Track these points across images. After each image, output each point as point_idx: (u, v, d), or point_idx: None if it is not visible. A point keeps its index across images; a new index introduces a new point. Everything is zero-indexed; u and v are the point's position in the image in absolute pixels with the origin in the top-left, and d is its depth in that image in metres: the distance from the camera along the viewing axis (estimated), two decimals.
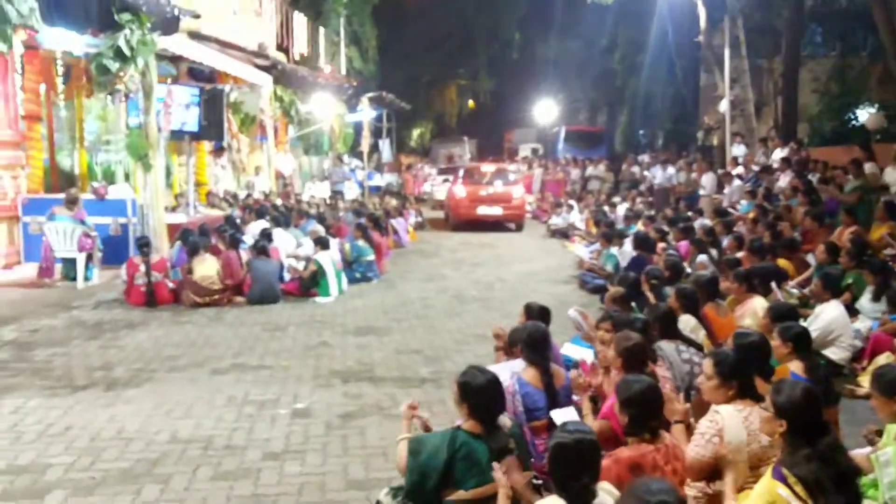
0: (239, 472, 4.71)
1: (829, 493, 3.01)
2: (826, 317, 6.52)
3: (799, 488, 3.03)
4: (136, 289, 9.72)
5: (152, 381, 6.56)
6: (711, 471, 3.78)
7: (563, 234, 16.82)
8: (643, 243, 9.67)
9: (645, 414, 3.49)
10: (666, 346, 5.02)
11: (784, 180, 13.74)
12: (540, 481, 3.99)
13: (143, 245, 9.85)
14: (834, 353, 6.47)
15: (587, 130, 35.78)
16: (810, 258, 8.94)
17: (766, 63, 21.92)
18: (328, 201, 18.25)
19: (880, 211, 9.53)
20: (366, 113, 22.36)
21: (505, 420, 3.80)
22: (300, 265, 10.95)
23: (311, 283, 10.45)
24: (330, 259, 10.67)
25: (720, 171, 16.40)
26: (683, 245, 10.19)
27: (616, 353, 4.37)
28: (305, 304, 10.09)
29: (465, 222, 18.85)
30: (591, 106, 41.55)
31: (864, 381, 6.06)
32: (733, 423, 3.78)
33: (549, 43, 37.38)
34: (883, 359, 6.11)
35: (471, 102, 43.49)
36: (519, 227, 19.27)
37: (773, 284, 7.10)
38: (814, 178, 13.00)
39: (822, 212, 10.83)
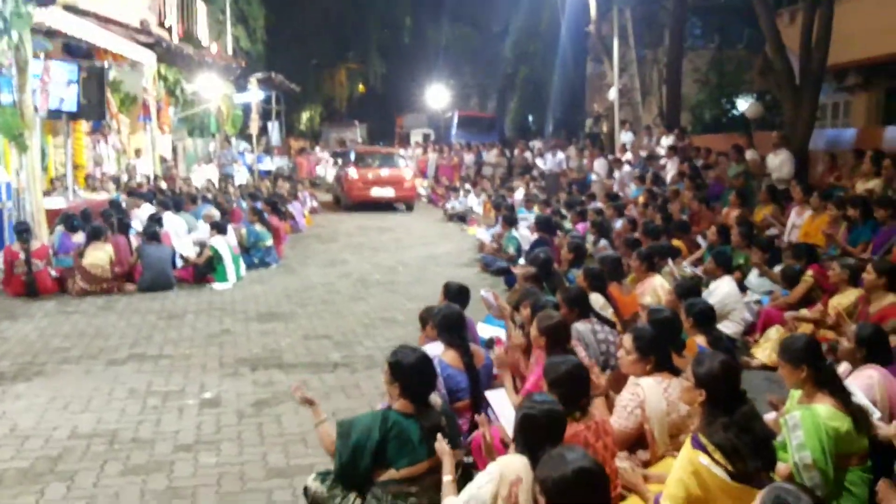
0: (150, 465, 4.49)
1: (747, 458, 3.16)
2: (720, 293, 6.86)
3: (718, 455, 3.16)
4: (15, 278, 9.06)
5: (43, 375, 6.14)
6: (635, 441, 3.92)
7: (461, 218, 16.97)
8: (545, 226, 9.88)
9: (574, 393, 3.56)
10: (581, 327, 5.14)
11: (671, 166, 14.37)
12: (470, 459, 4.03)
13: (23, 231, 9.19)
14: (727, 328, 6.82)
15: (480, 116, 36.17)
16: (700, 239, 9.39)
17: (651, 53, 22.83)
18: (218, 185, 17.62)
19: (763, 194, 10.13)
20: (254, 94, 21.67)
21: (436, 399, 3.80)
22: (193, 251, 10.52)
23: (206, 270, 10.07)
24: (226, 244, 10.31)
25: (610, 158, 16.96)
26: (581, 227, 10.49)
27: (539, 332, 4.44)
28: (202, 290, 9.72)
29: (358, 204, 19.36)
30: (482, 92, 42.03)
31: (758, 353, 6.46)
32: (653, 394, 3.93)
33: (441, 28, 37.47)
34: (773, 332, 6.52)
35: (361, 86, 42.99)
36: (409, 208, 19.86)
37: (670, 261, 7.43)
38: (698, 163, 13.68)
39: (707, 195, 11.41)
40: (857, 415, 3.76)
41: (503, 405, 4.12)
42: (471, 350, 4.63)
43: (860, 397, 3.90)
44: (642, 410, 3.90)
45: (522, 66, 30.76)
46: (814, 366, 3.83)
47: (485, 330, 6.22)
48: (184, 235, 11.08)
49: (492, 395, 4.19)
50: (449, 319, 4.65)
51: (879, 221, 7.47)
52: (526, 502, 2.88)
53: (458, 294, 5.44)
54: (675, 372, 4.11)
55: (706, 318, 5.00)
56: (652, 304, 6.87)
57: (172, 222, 11.11)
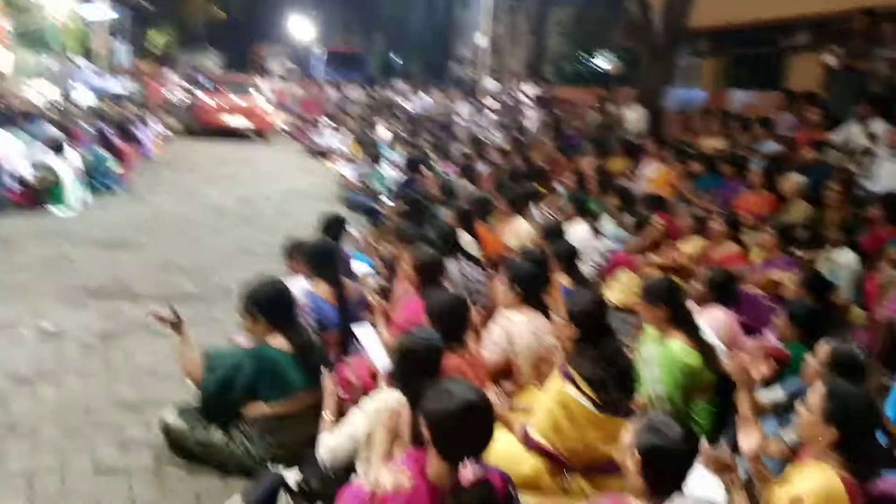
0: None
1: (612, 390, 3.30)
2: (575, 237, 7.10)
3: (585, 387, 3.28)
4: None
5: None
6: (503, 373, 3.99)
7: (323, 154, 16.54)
8: (414, 166, 9.79)
9: (455, 326, 3.57)
10: (450, 266, 5.15)
11: (533, 115, 14.66)
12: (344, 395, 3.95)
13: None
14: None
15: (349, 53, 35.15)
16: (558, 186, 9.66)
17: (519, 4, 23.00)
18: (60, 105, 16.13)
19: (618, 146, 10.54)
20: (101, 10, 19.90)
21: (312, 334, 3.68)
22: (30, 173, 9.59)
23: (45, 193, 9.23)
24: (68, 167, 9.48)
25: (474, 102, 17.06)
26: (448, 169, 10.49)
27: (413, 267, 4.39)
28: (39, 215, 8.91)
29: (209, 131, 18.68)
30: (346, 27, 40.85)
31: (608, 295, 6.75)
32: (522, 328, 4.02)
33: None
34: (623, 275, 6.84)
35: (219, 11, 40.53)
36: (264, 139, 19.34)
37: (533, 205, 7.60)
38: (559, 114, 14.05)
39: (566, 145, 11.76)
40: (707, 352, 4.02)
41: (371, 339, 4.05)
42: (343, 284, 4.52)
43: (710, 335, 4.16)
44: (511, 343, 3.97)
45: (390, 4, 30.09)
46: (671, 305, 4.04)
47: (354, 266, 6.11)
48: (18, 155, 10.06)
49: (359, 330, 4.11)
50: (321, 252, 4.51)
51: (725, 176, 7.97)
52: (404, 436, 2.86)
53: (332, 226, 5.28)
54: (543, 308, 4.21)
55: (571, 258, 5.15)
56: (515, 245, 7.05)
57: (6, 141, 10.05)
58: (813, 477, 2.58)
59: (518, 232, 7.12)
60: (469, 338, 4.03)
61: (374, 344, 3.94)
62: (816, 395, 2.69)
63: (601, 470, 3.31)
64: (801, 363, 3.84)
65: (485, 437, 2.44)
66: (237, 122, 18.82)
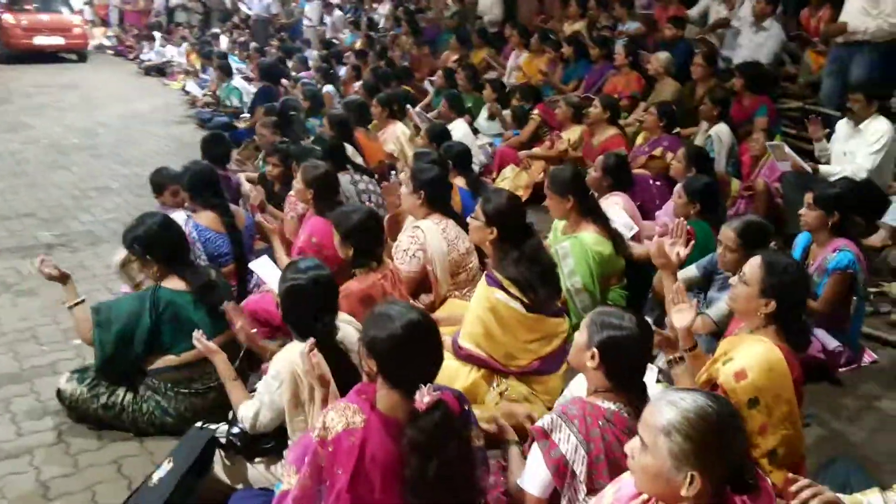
0: None
1: (539, 288, 3.24)
2: (456, 134, 6.94)
3: (513, 289, 3.20)
4: None
5: None
6: (420, 285, 3.85)
7: (160, 70, 15.23)
8: (269, 75, 9.14)
9: (370, 243, 3.35)
10: (341, 178, 4.86)
11: (383, 10, 14.05)
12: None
13: None
14: None
15: None
16: (427, 84, 9.39)
17: None
18: None
19: (476, 37, 10.29)
20: None
21: (209, 269, 3.35)
22: None
23: None
24: None
25: (321, 1, 16.11)
26: (306, 75, 9.92)
27: (305, 183, 4.09)
28: None
29: (19, 54, 16.75)
30: None
31: None
32: (433, 235, 3.86)
33: None
34: (509, 171, 6.78)
35: None
36: (82, 58, 17.75)
37: (409, 107, 7.33)
38: (411, 7, 13.52)
39: (424, 40, 11.38)
40: (616, 238, 4.05)
41: (271, 270, 3.74)
42: (231, 209, 4.16)
43: (617, 223, 4.19)
44: (424, 252, 3.82)
45: None
46: (579, 195, 4.00)
47: None
48: None
49: (257, 265, 3.77)
50: (201, 178, 4.10)
51: (592, 60, 7.98)
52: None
53: (212, 146, 4.81)
54: (451, 213, 4.07)
55: (465, 159, 4.99)
56: (395, 151, 6.81)
57: None
58: (754, 350, 2.63)
59: (396, 137, 6.87)
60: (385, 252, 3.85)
61: (271, 272, 3.65)
62: (753, 268, 2.72)
63: (536, 371, 3.29)
64: (707, 240, 3.97)
65: (436, 358, 2.29)
66: (49, 40, 17.02)
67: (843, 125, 5.39)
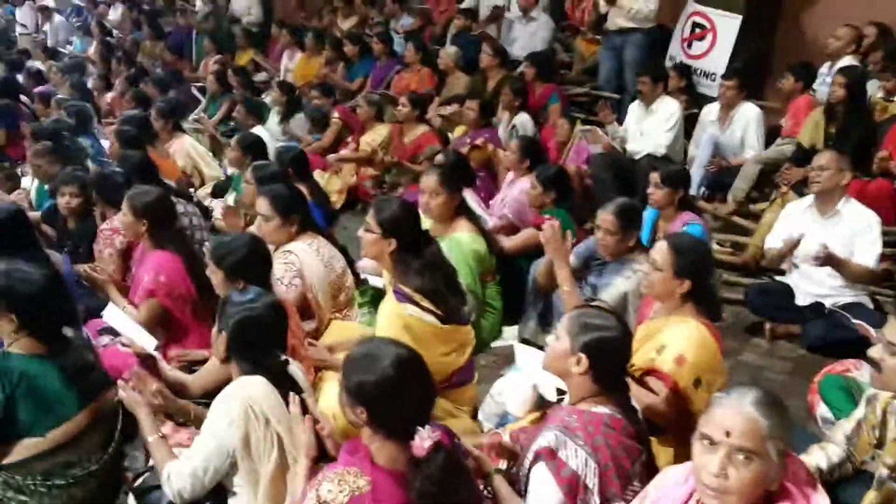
0: None
1: (447, 296, 3.09)
2: None
3: (425, 302, 3.02)
4: None
5: None
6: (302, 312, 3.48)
7: None
8: (4, 91, 7.77)
9: (262, 274, 2.97)
10: None
11: (116, 13, 12.73)
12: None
13: None
14: None
15: None
16: (195, 92, 8.69)
17: None
18: None
19: (241, 39, 9.72)
20: None
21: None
22: None
23: None
24: None
25: (34, 5, 14.14)
26: (43, 89, 8.61)
27: (135, 214, 3.49)
28: None
29: None
30: None
31: None
32: (309, 258, 3.53)
33: None
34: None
35: None
36: None
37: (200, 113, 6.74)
38: (145, 7, 12.40)
39: (175, 43, 10.54)
40: (487, 235, 4.00)
41: (120, 319, 3.17)
42: (48, 257, 3.45)
43: (485, 219, 4.15)
44: (302, 279, 3.46)
45: None
46: (453, 193, 3.87)
47: None
48: None
49: (109, 316, 3.17)
50: (9, 223, 3.35)
51: (375, 57, 7.86)
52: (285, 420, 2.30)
53: None
54: (316, 228, 3.73)
55: (302, 166, 4.63)
56: (188, 167, 6.20)
57: None
58: (683, 332, 2.71)
59: (186, 152, 6.26)
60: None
61: (125, 322, 3.11)
62: (663, 253, 2.79)
63: (455, 384, 3.14)
64: (567, 228, 4.05)
65: (431, 395, 2.08)
66: None
67: (635, 107, 5.84)
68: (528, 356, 3.31)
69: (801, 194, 4.60)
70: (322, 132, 6.78)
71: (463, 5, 8.31)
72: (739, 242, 4.93)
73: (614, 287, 3.41)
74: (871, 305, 3.96)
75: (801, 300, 4.06)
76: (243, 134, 5.32)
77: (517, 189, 4.86)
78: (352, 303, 3.69)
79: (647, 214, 4.31)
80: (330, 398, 2.99)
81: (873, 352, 2.29)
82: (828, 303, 3.97)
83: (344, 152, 6.47)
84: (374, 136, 6.42)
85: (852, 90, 4.78)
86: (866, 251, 3.82)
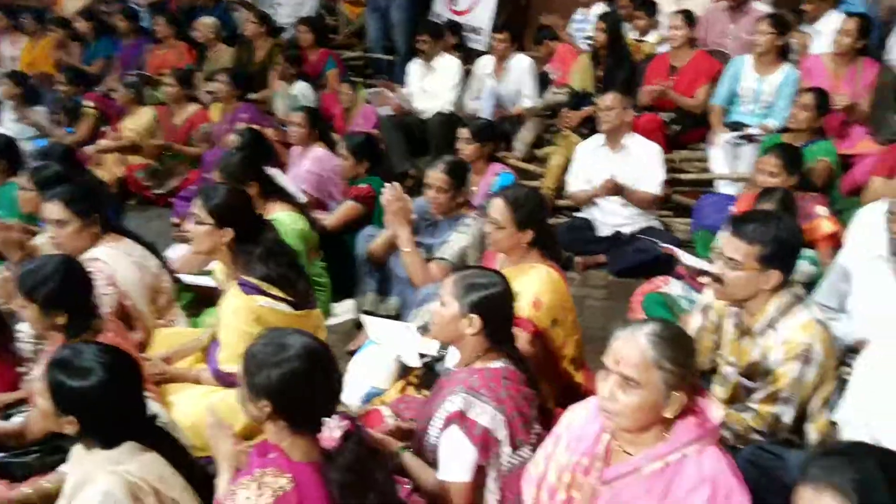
0: None
1: (295, 281, 2.93)
2: None
3: (273, 289, 2.84)
4: None
5: None
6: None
7: None
8: None
9: (82, 298, 2.57)
10: None
11: None
12: None
13: None
14: None
15: None
16: None
17: None
18: None
19: None
20: None
21: None
22: None
23: None
24: None
25: None
26: None
27: None
28: None
29: None
30: None
31: None
32: (119, 262, 3.12)
33: None
34: None
35: None
36: None
37: None
38: None
39: None
40: (306, 211, 3.84)
41: None
42: None
43: (297, 194, 3.96)
44: (114, 286, 3.06)
45: None
46: (258, 178, 3.66)
47: None
48: None
49: None
50: None
51: (121, 34, 7.12)
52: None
53: None
54: (121, 230, 3.33)
55: (74, 161, 4.08)
56: None
57: None
58: (535, 278, 2.81)
59: None
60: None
61: None
62: (501, 209, 2.81)
63: None
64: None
65: (336, 385, 1.96)
66: None
67: (416, 66, 5.87)
68: (379, 327, 3.28)
69: (582, 136, 4.97)
70: (74, 124, 6.04)
71: None
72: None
73: (453, 243, 3.43)
74: (661, 227, 4.40)
75: (602, 231, 4.40)
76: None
77: (309, 161, 4.71)
78: (173, 305, 3.35)
79: None
80: (182, 411, 2.76)
81: (714, 268, 2.52)
82: (625, 230, 4.34)
83: (105, 142, 5.82)
84: (138, 121, 5.83)
85: (612, 34, 5.17)
86: (651, 179, 4.22)
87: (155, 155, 5.75)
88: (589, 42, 5.81)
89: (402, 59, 6.55)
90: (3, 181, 4.33)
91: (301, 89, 5.88)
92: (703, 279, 3.55)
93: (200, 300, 3.72)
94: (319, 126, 4.85)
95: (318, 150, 4.75)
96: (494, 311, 2.20)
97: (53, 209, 3.03)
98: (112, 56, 7.12)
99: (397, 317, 3.56)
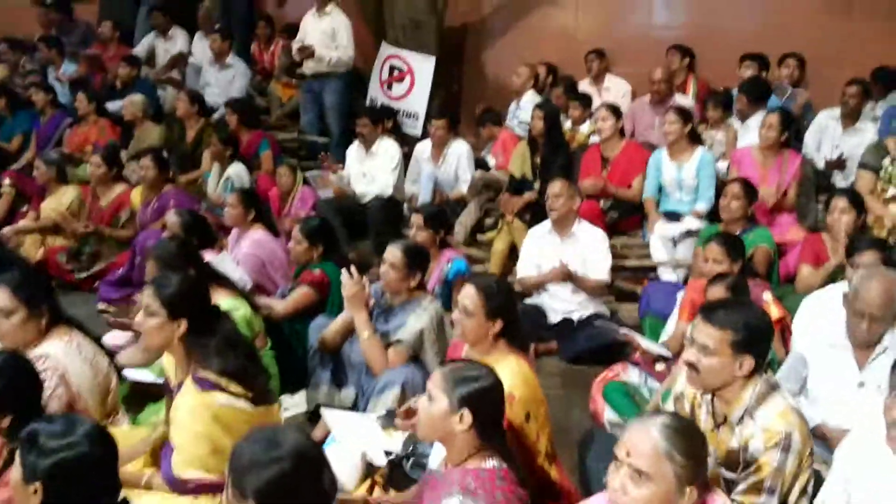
0: None
1: (255, 375, 2.77)
2: None
3: (233, 385, 2.66)
4: None
5: None
6: None
7: None
8: None
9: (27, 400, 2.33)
10: None
11: None
12: None
13: None
14: None
15: None
16: None
17: None
18: None
19: None
20: None
21: None
22: None
23: None
24: None
25: None
26: None
27: None
28: None
29: None
30: None
31: None
32: (72, 360, 2.87)
33: None
34: None
35: None
36: None
37: None
38: None
39: None
40: (249, 297, 3.69)
41: None
42: None
43: (244, 280, 3.80)
44: (66, 385, 2.79)
45: None
46: (195, 264, 3.49)
47: None
48: None
49: None
50: None
51: (39, 110, 6.82)
52: None
53: None
54: (72, 321, 3.07)
55: None
56: None
57: None
58: (506, 371, 2.70)
59: None
60: None
61: None
62: (472, 298, 2.79)
63: None
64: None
65: (332, 490, 1.82)
66: None
67: (354, 150, 5.86)
68: (341, 422, 3.12)
69: (524, 221, 5.04)
70: None
71: (136, 51, 7.61)
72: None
73: (409, 326, 3.34)
74: (608, 313, 4.44)
75: (553, 318, 4.41)
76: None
77: (247, 244, 4.57)
78: (118, 405, 3.10)
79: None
80: None
81: (689, 355, 2.52)
82: (574, 317, 4.36)
83: (24, 223, 5.50)
84: (60, 201, 5.55)
85: (550, 122, 5.32)
86: (599, 264, 4.29)
87: (77, 237, 5.44)
88: (522, 130, 6.00)
89: (336, 141, 6.56)
90: None
91: (236, 170, 5.75)
92: (660, 366, 3.63)
93: (136, 393, 3.49)
94: (257, 208, 4.72)
95: (257, 233, 4.62)
96: (486, 405, 2.13)
97: (4, 298, 2.76)
98: (29, 132, 6.79)
99: (353, 408, 3.41)
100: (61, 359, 2.80)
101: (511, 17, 7.16)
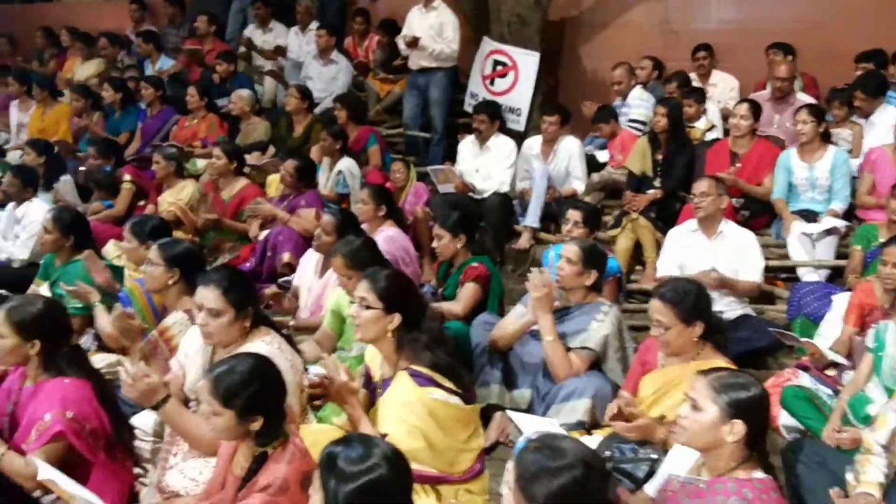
0: None
1: (462, 372, 2.78)
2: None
3: (446, 381, 2.68)
4: None
5: None
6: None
7: None
8: None
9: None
10: None
11: None
12: None
13: None
14: None
15: None
16: None
17: None
18: None
19: None
20: None
21: None
22: None
23: None
24: None
25: None
26: None
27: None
28: None
29: None
30: None
31: None
32: (279, 360, 2.83)
33: None
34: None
35: None
36: None
37: None
38: None
39: None
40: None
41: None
42: None
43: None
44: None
45: None
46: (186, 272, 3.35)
47: None
48: None
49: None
50: None
51: (147, 104, 6.89)
52: None
53: None
54: (273, 322, 3.09)
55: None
56: None
57: None
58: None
59: None
60: None
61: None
62: (661, 310, 2.81)
63: (478, 472, 2.79)
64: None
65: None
66: None
67: (468, 144, 5.85)
68: (529, 423, 3.11)
69: (649, 219, 4.99)
70: (109, 197, 5.75)
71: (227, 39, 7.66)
72: None
73: (593, 332, 3.32)
74: (755, 314, 4.37)
75: None
76: (58, 211, 4.23)
77: (380, 241, 4.54)
78: (306, 402, 3.12)
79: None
80: None
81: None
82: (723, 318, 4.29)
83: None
84: (179, 195, 5.57)
85: (673, 119, 5.25)
86: (752, 267, 4.21)
87: (196, 231, 5.48)
88: (636, 126, 5.93)
89: (439, 137, 6.55)
90: (69, 258, 4.10)
91: (347, 165, 5.75)
92: (831, 371, 3.57)
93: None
94: (388, 204, 4.73)
95: (391, 229, 4.63)
96: (757, 415, 2.10)
97: (209, 297, 2.77)
98: (135, 127, 6.87)
99: (528, 410, 3.39)
100: (275, 360, 2.80)
101: (609, 11, 7.10)
